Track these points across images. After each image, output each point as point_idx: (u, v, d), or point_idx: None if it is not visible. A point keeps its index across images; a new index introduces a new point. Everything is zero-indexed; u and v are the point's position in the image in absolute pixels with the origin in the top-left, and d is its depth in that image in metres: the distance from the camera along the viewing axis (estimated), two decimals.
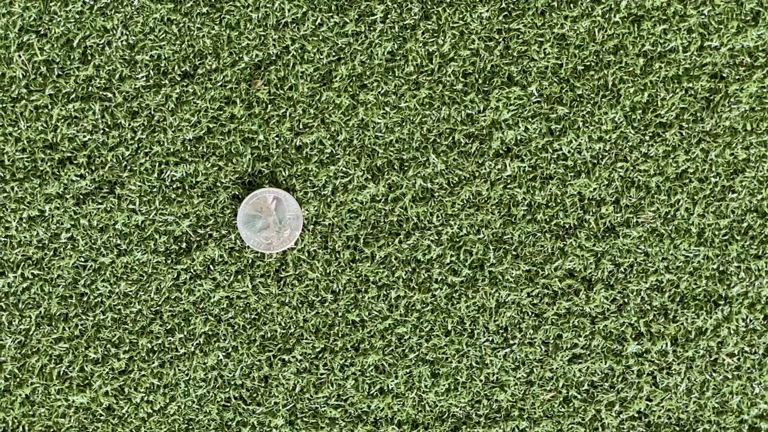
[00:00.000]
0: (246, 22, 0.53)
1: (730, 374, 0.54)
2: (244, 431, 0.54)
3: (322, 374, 0.54)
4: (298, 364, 0.54)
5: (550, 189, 0.54)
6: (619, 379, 0.53)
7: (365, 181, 0.53)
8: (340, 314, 0.54)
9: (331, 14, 0.53)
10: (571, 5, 0.54)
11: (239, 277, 0.54)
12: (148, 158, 0.53)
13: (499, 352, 0.53)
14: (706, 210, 0.53)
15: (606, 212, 0.53)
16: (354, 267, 0.54)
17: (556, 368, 0.53)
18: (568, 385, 0.53)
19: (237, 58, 0.53)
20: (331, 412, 0.53)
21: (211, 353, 0.54)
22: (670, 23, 0.53)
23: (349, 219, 0.53)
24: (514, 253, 0.54)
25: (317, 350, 0.54)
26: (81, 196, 0.53)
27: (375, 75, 0.53)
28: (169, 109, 0.53)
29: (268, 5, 0.53)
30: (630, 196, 0.53)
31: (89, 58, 0.53)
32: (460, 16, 0.54)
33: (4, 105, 0.53)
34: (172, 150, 0.53)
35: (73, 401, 0.54)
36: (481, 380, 0.53)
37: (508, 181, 0.54)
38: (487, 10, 0.54)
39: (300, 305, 0.54)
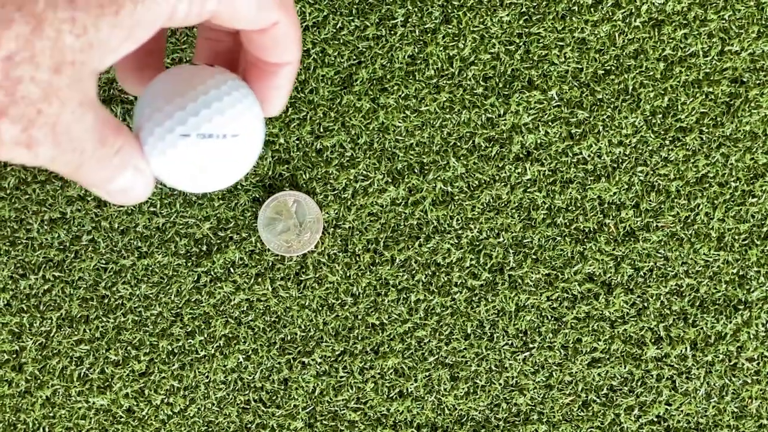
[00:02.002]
0: None
1: (749, 379, 0.53)
2: None
3: (341, 377, 0.54)
4: (318, 366, 0.54)
5: (570, 193, 0.54)
6: (639, 384, 0.53)
7: (385, 184, 0.54)
8: (359, 317, 0.54)
9: (351, 18, 0.53)
10: (592, 9, 0.54)
11: (259, 279, 0.54)
12: None
13: (518, 355, 0.54)
14: (726, 214, 0.53)
15: (626, 216, 0.53)
16: (374, 270, 0.54)
17: (576, 372, 0.53)
18: (588, 389, 0.53)
19: None
20: (350, 414, 0.54)
21: (231, 356, 0.54)
22: (690, 28, 0.54)
23: (369, 222, 0.54)
24: (533, 256, 0.54)
25: (337, 353, 0.54)
26: (102, 199, 0.54)
27: (395, 78, 0.53)
28: None
29: None
30: (650, 201, 0.54)
31: None
32: (481, 20, 0.54)
33: None
34: None
35: (94, 403, 0.54)
36: (500, 384, 0.54)
37: (528, 185, 0.54)
38: (507, 14, 0.54)
39: (320, 308, 0.54)
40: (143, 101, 0.39)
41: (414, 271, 0.54)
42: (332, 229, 0.54)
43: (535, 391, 0.53)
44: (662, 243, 0.53)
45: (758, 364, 0.54)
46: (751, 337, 0.53)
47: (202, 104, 0.37)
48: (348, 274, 0.54)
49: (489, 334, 0.54)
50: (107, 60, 0.31)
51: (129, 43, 0.31)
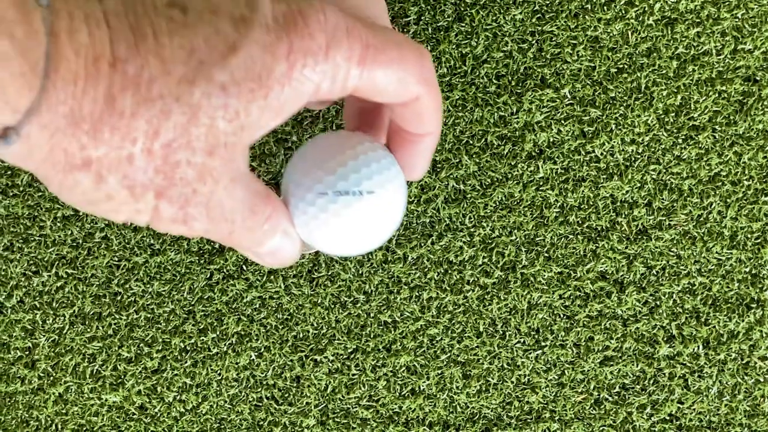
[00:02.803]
0: None
1: (761, 377, 0.53)
2: (276, 431, 0.54)
3: (353, 375, 0.54)
4: (330, 364, 0.54)
5: (583, 191, 0.54)
6: (651, 382, 0.53)
7: None
8: (372, 315, 0.54)
9: None
10: (605, 8, 0.54)
11: (272, 277, 0.54)
12: None
13: (530, 353, 0.54)
14: (739, 213, 0.53)
15: (638, 215, 0.53)
16: (386, 268, 0.54)
17: (588, 370, 0.53)
18: (600, 387, 0.53)
19: None
20: (362, 412, 0.54)
21: (243, 353, 0.54)
22: (703, 26, 0.53)
23: None
24: (546, 255, 0.54)
25: (349, 351, 0.54)
26: None
27: None
28: None
29: None
30: (662, 199, 0.53)
31: None
32: (494, 18, 0.54)
33: None
34: None
35: (106, 400, 0.54)
36: (512, 382, 0.54)
37: (541, 183, 0.54)
38: (520, 13, 0.54)
39: (332, 306, 0.54)
40: (290, 167, 0.42)
41: (426, 269, 0.54)
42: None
43: (547, 389, 0.53)
44: (675, 241, 0.53)
45: None
46: (764, 335, 0.53)
47: (345, 167, 0.40)
48: (360, 272, 0.54)
49: (501, 332, 0.54)
50: (256, 135, 0.33)
51: (277, 120, 0.33)
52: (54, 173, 0.31)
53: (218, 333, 0.54)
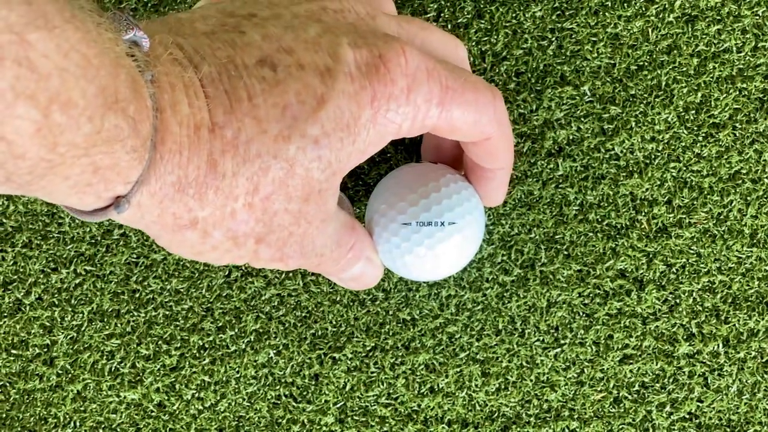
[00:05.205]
0: None
1: None
2: (294, 429, 0.54)
3: (372, 372, 0.54)
4: (349, 362, 0.54)
5: (602, 189, 0.53)
6: (670, 380, 0.53)
7: None
8: (390, 312, 0.54)
9: None
10: (625, 5, 0.53)
11: (290, 275, 0.54)
12: None
13: (549, 351, 0.53)
14: (759, 211, 0.53)
15: (658, 212, 0.53)
16: None
17: (607, 368, 0.53)
18: (619, 385, 0.53)
19: None
20: (381, 410, 0.53)
21: (261, 351, 0.54)
22: (724, 23, 0.53)
23: None
24: (565, 252, 0.53)
25: (368, 348, 0.54)
26: None
27: None
28: None
29: None
30: (682, 197, 0.53)
31: None
32: (513, 15, 0.54)
33: None
34: None
35: (125, 397, 0.54)
36: (531, 380, 0.53)
37: (560, 181, 0.53)
38: (540, 9, 0.53)
39: (351, 303, 0.54)
40: (374, 197, 0.44)
41: None
42: (363, 224, 0.53)
43: (566, 387, 0.53)
44: (695, 239, 0.53)
45: None
46: None
47: (428, 199, 0.42)
48: None
49: (520, 330, 0.53)
50: (343, 175, 0.36)
51: (361, 160, 0.36)
52: (164, 232, 0.33)
53: (237, 330, 0.54)
